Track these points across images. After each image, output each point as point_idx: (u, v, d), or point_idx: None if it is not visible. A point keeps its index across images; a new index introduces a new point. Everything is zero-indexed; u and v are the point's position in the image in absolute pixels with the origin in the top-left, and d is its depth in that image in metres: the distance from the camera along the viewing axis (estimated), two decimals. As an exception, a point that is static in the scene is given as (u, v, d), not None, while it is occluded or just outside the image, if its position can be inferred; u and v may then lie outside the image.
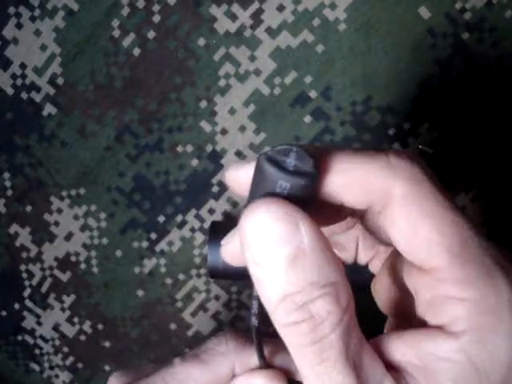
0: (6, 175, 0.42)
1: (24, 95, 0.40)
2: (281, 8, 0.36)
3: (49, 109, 0.40)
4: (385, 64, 0.37)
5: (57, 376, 0.49)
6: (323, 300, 0.19)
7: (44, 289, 0.45)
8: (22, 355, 0.48)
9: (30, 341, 0.48)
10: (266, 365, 0.30)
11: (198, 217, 0.42)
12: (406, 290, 0.22)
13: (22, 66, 0.39)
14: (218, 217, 0.42)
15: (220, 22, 0.37)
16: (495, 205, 0.39)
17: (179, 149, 0.40)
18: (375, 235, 0.23)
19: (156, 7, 0.37)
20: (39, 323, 0.47)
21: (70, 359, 0.48)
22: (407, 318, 0.24)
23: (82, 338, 0.47)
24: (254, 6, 0.37)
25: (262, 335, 0.27)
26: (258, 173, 0.20)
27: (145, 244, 0.43)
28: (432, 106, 0.37)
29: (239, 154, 0.40)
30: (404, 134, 0.38)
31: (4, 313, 0.47)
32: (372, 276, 0.32)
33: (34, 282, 0.45)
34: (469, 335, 0.19)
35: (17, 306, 0.46)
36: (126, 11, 0.37)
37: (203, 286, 0.44)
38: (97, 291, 0.45)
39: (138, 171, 0.41)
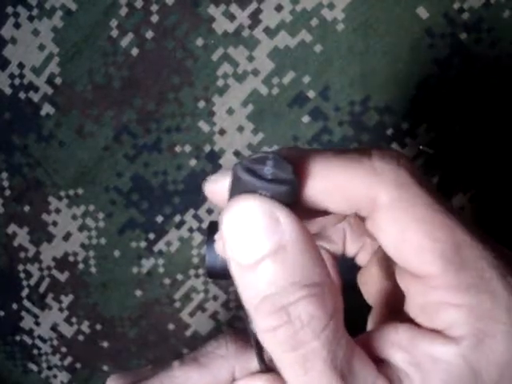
0: (4, 175, 0.42)
1: (22, 95, 0.40)
2: (279, 8, 0.36)
3: (47, 109, 0.40)
4: (383, 64, 0.37)
5: (55, 376, 0.49)
6: (306, 302, 0.17)
7: (42, 289, 0.45)
8: (20, 355, 0.48)
9: (28, 341, 0.48)
10: (266, 369, 0.30)
11: (196, 217, 0.42)
12: (396, 283, 0.22)
13: (20, 65, 0.39)
14: (216, 217, 0.42)
15: (218, 22, 0.37)
16: (493, 205, 0.40)
17: (177, 149, 0.40)
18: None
19: (154, 7, 0.37)
20: (37, 323, 0.47)
21: (68, 359, 0.48)
22: (395, 310, 0.23)
23: (80, 338, 0.47)
24: (252, 6, 0.37)
25: (259, 343, 0.27)
26: (236, 183, 0.19)
27: (143, 244, 0.43)
28: (430, 106, 0.37)
29: (237, 154, 0.40)
30: (402, 134, 0.38)
31: (2, 313, 0.47)
32: (358, 268, 0.32)
33: (32, 282, 0.45)
34: (467, 340, 0.19)
35: (15, 306, 0.46)
36: (124, 11, 0.37)
37: (201, 286, 0.44)
38: (95, 291, 0.45)
39: (136, 171, 0.41)
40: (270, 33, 0.37)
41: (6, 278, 0.45)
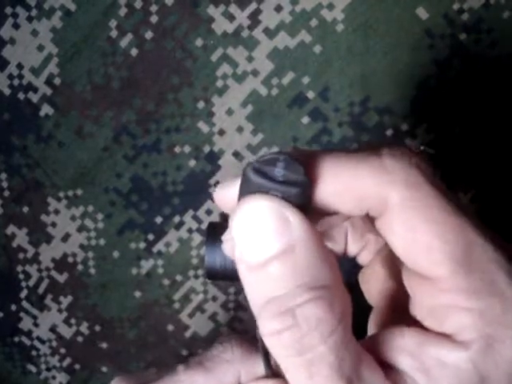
0: (3, 176, 0.42)
1: (21, 96, 0.40)
2: (278, 8, 0.36)
3: (46, 109, 0.40)
4: (383, 65, 0.37)
5: (54, 377, 0.48)
6: (313, 305, 0.17)
7: (41, 290, 0.45)
8: (18, 357, 0.48)
9: (27, 342, 0.47)
10: (272, 374, 0.29)
11: (195, 218, 0.42)
12: (400, 283, 0.22)
13: (19, 66, 0.39)
14: (215, 218, 0.42)
15: (218, 23, 0.37)
16: (494, 205, 0.39)
17: (177, 149, 0.40)
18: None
19: (154, 7, 0.37)
20: (36, 324, 0.47)
21: (67, 360, 0.48)
22: (399, 311, 0.23)
23: (79, 339, 0.47)
24: (252, 7, 0.37)
25: (265, 345, 0.26)
26: (246, 185, 0.18)
27: (142, 245, 0.43)
28: (430, 106, 0.37)
29: (237, 155, 0.40)
30: (402, 135, 0.38)
31: (0, 314, 0.46)
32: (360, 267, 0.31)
33: (31, 283, 0.45)
34: (476, 345, 0.18)
35: (13, 307, 0.46)
36: (123, 11, 0.37)
37: (201, 287, 0.44)
38: (94, 292, 0.45)
39: (135, 172, 0.41)
40: (270, 33, 0.37)
41: (5, 279, 0.45)
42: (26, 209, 0.43)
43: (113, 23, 0.38)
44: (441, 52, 0.36)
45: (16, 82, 0.40)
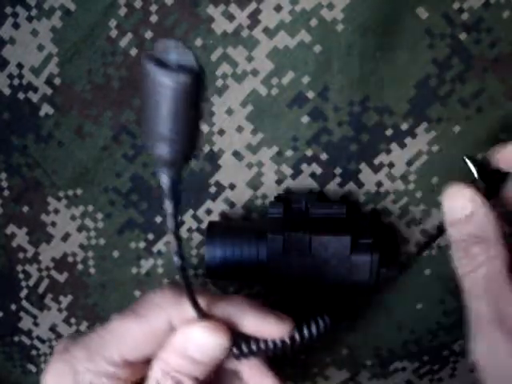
0: (3, 175, 0.42)
1: (21, 95, 0.40)
2: (278, 8, 0.36)
3: (46, 109, 0.40)
4: (382, 64, 0.37)
5: (54, 377, 0.48)
6: (477, 246, 0.29)
7: (41, 289, 0.45)
8: (18, 356, 0.48)
9: (27, 342, 0.47)
10: (202, 314, 0.29)
11: (195, 217, 0.42)
12: None
13: (19, 66, 0.39)
14: (215, 217, 0.42)
15: (217, 23, 0.37)
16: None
17: (176, 149, 0.40)
18: None
19: (153, 7, 0.37)
20: (36, 324, 0.47)
21: (67, 360, 0.48)
22: None
23: (79, 338, 0.47)
24: (252, 7, 0.37)
25: (189, 278, 0.27)
26: (146, 76, 0.20)
27: (142, 244, 0.43)
28: (430, 106, 0.37)
29: (237, 155, 0.40)
30: (402, 135, 0.38)
31: (0, 314, 0.46)
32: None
33: (31, 282, 0.45)
34: None
35: (13, 306, 0.46)
36: (123, 11, 0.37)
37: (200, 287, 0.44)
38: (94, 292, 0.45)
39: (135, 171, 0.41)
40: (270, 33, 0.37)
41: (5, 279, 0.45)
42: (25, 208, 0.43)
43: (113, 23, 0.38)
44: (441, 51, 0.36)
45: (16, 81, 0.40)
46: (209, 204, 0.41)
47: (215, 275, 0.38)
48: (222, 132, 0.39)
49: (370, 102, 0.38)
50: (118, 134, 0.40)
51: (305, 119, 0.38)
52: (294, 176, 0.40)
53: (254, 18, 0.37)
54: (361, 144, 0.39)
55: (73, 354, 0.30)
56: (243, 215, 0.41)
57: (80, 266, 0.44)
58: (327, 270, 0.36)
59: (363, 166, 0.39)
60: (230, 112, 0.39)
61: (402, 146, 0.38)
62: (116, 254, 0.43)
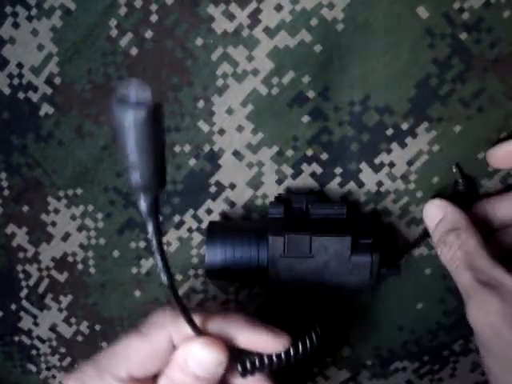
0: (3, 175, 0.42)
1: (21, 95, 0.40)
2: (278, 8, 0.36)
3: (46, 108, 0.40)
4: (383, 64, 0.37)
5: (54, 377, 0.49)
6: (450, 234, 0.35)
7: (41, 289, 0.45)
8: (18, 356, 0.48)
9: (27, 341, 0.47)
10: (199, 331, 0.30)
11: (195, 217, 0.42)
12: None
13: (19, 65, 0.39)
14: (215, 217, 0.42)
15: (218, 22, 0.37)
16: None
17: (177, 149, 0.40)
18: None
19: (154, 7, 0.37)
20: (36, 324, 0.47)
21: (67, 360, 0.48)
22: None
23: (79, 338, 0.47)
24: (252, 6, 0.36)
25: (178, 295, 0.28)
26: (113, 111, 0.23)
27: (142, 244, 0.43)
28: (430, 106, 0.37)
29: (237, 154, 0.40)
30: (402, 134, 0.38)
31: (0, 313, 0.46)
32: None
33: (31, 282, 0.45)
34: None
35: (13, 306, 0.46)
36: (123, 11, 0.37)
37: (201, 287, 0.44)
38: (94, 292, 0.45)
39: (135, 171, 0.41)
40: (270, 32, 0.37)
41: (5, 279, 0.45)
42: (25, 208, 0.43)
43: (113, 22, 0.38)
44: (441, 51, 0.36)
45: (16, 81, 0.40)
46: (209, 204, 0.41)
47: (215, 275, 0.38)
48: (222, 131, 0.39)
49: (370, 102, 0.38)
50: (118, 134, 0.40)
51: (305, 119, 0.38)
52: (294, 176, 0.40)
53: (255, 17, 0.37)
54: (361, 144, 0.39)
55: (84, 371, 0.32)
56: (243, 215, 0.41)
57: (80, 266, 0.44)
58: (327, 270, 0.36)
59: (364, 165, 0.39)
60: (230, 111, 0.39)
61: (403, 145, 0.38)
62: (116, 253, 0.43)
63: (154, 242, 0.27)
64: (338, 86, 0.37)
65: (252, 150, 0.40)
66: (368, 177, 0.39)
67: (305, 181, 0.40)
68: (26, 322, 0.47)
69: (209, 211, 0.42)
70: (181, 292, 0.43)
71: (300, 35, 0.37)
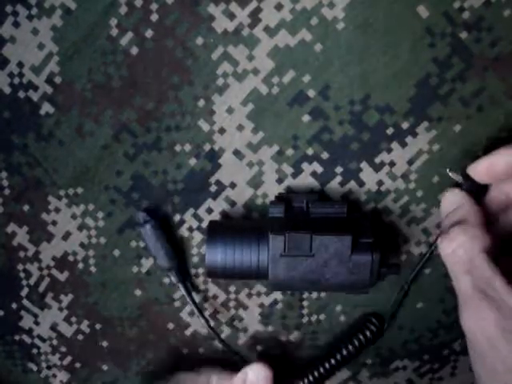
0: (4, 174, 0.42)
1: (21, 94, 0.40)
2: (279, 7, 0.36)
3: (46, 108, 0.40)
4: (383, 63, 0.37)
5: (54, 376, 0.49)
6: (456, 227, 0.34)
7: (41, 288, 0.45)
8: (19, 355, 0.48)
9: (28, 340, 0.47)
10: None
11: (195, 216, 0.42)
12: None
13: (20, 64, 0.39)
14: (215, 216, 0.42)
15: (218, 21, 0.37)
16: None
17: (177, 148, 0.40)
18: None
19: (154, 6, 0.37)
20: (37, 323, 0.47)
21: (68, 359, 0.48)
22: None
23: (80, 337, 0.47)
24: (252, 5, 0.37)
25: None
26: None
27: (142, 243, 0.43)
28: (430, 105, 0.37)
29: (237, 153, 0.40)
30: (402, 133, 0.38)
31: (1, 312, 0.46)
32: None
33: (32, 281, 0.45)
34: None
35: (14, 305, 0.46)
36: (123, 10, 0.37)
37: (201, 286, 0.44)
38: (94, 291, 0.45)
39: (135, 170, 0.41)
40: (270, 32, 0.37)
41: (6, 278, 0.45)
42: (26, 207, 0.43)
43: (113, 22, 0.38)
44: (441, 50, 0.36)
45: (16, 80, 0.40)
46: (209, 203, 0.41)
47: (216, 274, 0.38)
48: (222, 131, 0.39)
49: (370, 101, 0.38)
50: (119, 133, 0.40)
51: (305, 118, 0.38)
52: (294, 175, 0.40)
53: (255, 16, 0.37)
54: (362, 143, 0.39)
55: None
56: (244, 214, 0.41)
57: (80, 265, 0.44)
58: (328, 269, 0.36)
59: (364, 164, 0.39)
60: (230, 111, 0.39)
61: (403, 144, 0.38)
62: (116, 252, 0.43)
63: (188, 300, 0.42)
64: (339, 85, 0.37)
65: (252, 149, 0.40)
66: (368, 176, 0.39)
67: (305, 180, 0.40)
68: (26, 321, 0.47)
69: (209, 210, 0.42)
70: (181, 291, 0.43)
71: (300, 34, 0.37)
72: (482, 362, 0.33)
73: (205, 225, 0.42)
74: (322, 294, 0.43)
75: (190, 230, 0.42)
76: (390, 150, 0.39)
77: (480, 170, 0.35)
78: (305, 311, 0.44)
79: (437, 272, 0.41)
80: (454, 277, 0.34)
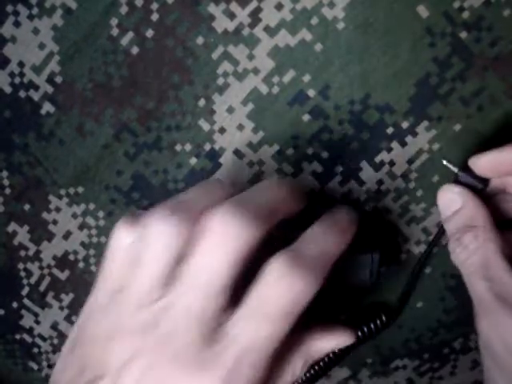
0: (4, 174, 0.42)
1: (22, 94, 0.40)
2: (279, 7, 0.36)
3: (47, 107, 0.40)
4: (383, 63, 0.37)
5: (55, 375, 0.49)
6: (468, 234, 0.32)
7: (42, 287, 0.45)
8: (20, 354, 0.48)
9: (29, 339, 0.48)
10: None
11: (196, 215, 0.42)
12: None
13: (20, 64, 0.39)
14: (216, 215, 0.42)
15: (218, 21, 0.37)
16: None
17: (178, 147, 0.40)
18: None
19: (154, 6, 0.37)
20: (37, 322, 0.47)
21: (69, 358, 0.48)
22: None
23: (81, 336, 0.47)
24: (253, 5, 0.37)
25: None
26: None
27: (143, 243, 0.43)
28: (430, 104, 0.37)
29: (237, 153, 0.40)
30: (402, 133, 0.38)
31: (2, 311, 0.47)
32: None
33: (33, 280, 0.45)
34: None
35: (15, 304, 0.46)
36: (124, 10, 0.37)
37: (201, 285, 0.44)
38: (95, 290, 0.45)
39: (136, 170, 0.41)
40: (271, 31, 0.37)
41: (6, 277, 0.45)
42: (27, 206, 0.43)
43: (114, 21, 0.38)
44: (441, 50, 0.36)
45: (17, 80, 0.40)
46: (210, 202, 0.41)
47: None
48: (222, 130, 0.39)
49: (370, 101, 0.38)
50: (119, 133, 0.40)
51: (306, 117, 0.38)
52: (294, 174, 0.40)
53: (255, 16, 0.37)
54: (361, 142, 0.39)
55: None
56: (244, 213, 0.41)
57: (81, 264, 0.44)
58: None
59: (364, 164, 0.39)
60: (230, 110, 0.39)
61: (403, 144, 0.38)
62: (117, 252, 0.43)
63: None
64: (339, 85, 0.38)
65: (253, 149, 0.40)
66: (368, 175, 0.40)
67: (305, 179, 0.40)
68: (27, 320, 0.47)
69: (209, 210, 0.42)
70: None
71: (300, 34, 0.37)
72: (500, 370, 0.31)
73: (205, 224, 0.42)
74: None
75: (191, 229, 0.42)
76: (389, 150, 0.39)
77: (483, 164, 0.33)
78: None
79: (437, 271, 0.41)
80: (470, 283, 0.33)
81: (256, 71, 0.38)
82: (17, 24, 0.38)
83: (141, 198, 0.42)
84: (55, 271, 0.45)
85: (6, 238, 0.44)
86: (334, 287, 0.38)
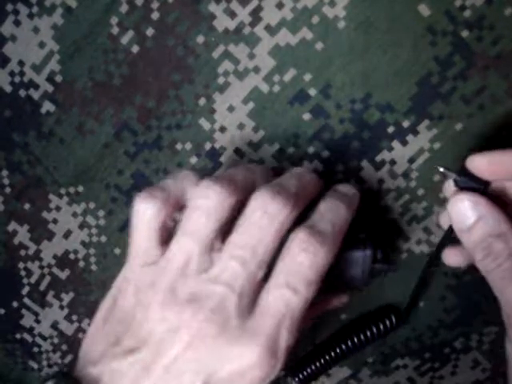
0: (5, 173, 0.42)
1: (22, 93, 0.40)
2: (280, 5, 0.36)
3: (47, 106, 0.40)
4: (384, 62, 0.37)
5: (55, 374, 0.49)
6: (498, 242, 0.31)
7: (42, 287, 0.45)
8: (20, 353, 0.48)
9: (29, 339, 0.48)
10: None
11: (196, 215, 0.42)
12: None
13: (20, 63, 0.39)
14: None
15: (219, 20, 0.37)
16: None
17: (178, 146, 0.40)
18: None
19: (155, 4, 0.37)
20: (38, 321, 0.47)
21: (69, 357, 0.48)
22: None
23: (81, 335, 0.47)
24: (253, 4, 0.36)
25: None
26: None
27: (143, 242, 0.43)
28: (431, 103, 0.37)
29: (238, 152, 0.40)
30: (403, 132, 0.38)
31: (2, 311, 0.47)
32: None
33: (33, 279, 0.45)
34: None
35: (15, 303, 0.46)
36: (124, 8, 0.37)
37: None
38: (95, 289, 0.45)
39: (136, 169, 0.41)
40: (271, 30, 0.37)
41: (7, 276, 0.45)
42: (27, 206, 0.43)
43: (114, 20, 0.38)
44: (442, 49, 0.36)
45: (17, 79, 0.40)
46: (210, 201, 0.41)
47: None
48: (223, 129, 0.39)
49: (371, 100, 0.38)
50: (120, 131, 0.40)
51: (306, 116, 0.38)
52: (295, 173, 0.40)
53: (256, 15, 0.37)
54: (362, 141, 0.39)
55: None
56: (245, 213, 0.41)
57: (81, 264, 0.44)
58: None
59: (365, 163, 0.39)
60: (231, 109, 0.39)
61: (404, 143, 0.38)
62: (117, 251, 0.43)
63: None
64: (340, 84, 0.37)
65: (253, 148, 0.40)
66: (369, 174, 0.39)
67: (306, 178, 0.40)
68: (27, 320, 0.47)
69: (210, 209, 0.41)
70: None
71: (301, 33, 0.37)
72: None
73: (206, 223, 0.42)
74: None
75: (191, 228, 0.42)
76: (390, 149, 0.39)
77: (480, 164, 0.33)
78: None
79: (437, 270, 0.41)
80: (500, 290, 0.31)
81: (257, 70, 0.38)
82: (17, 23, 0.38)
83: (141, 197, 0.42)
84: (55, 270, 0.45)
85: (6, 237, 0.44)
86: (327, 284, 0.38)
